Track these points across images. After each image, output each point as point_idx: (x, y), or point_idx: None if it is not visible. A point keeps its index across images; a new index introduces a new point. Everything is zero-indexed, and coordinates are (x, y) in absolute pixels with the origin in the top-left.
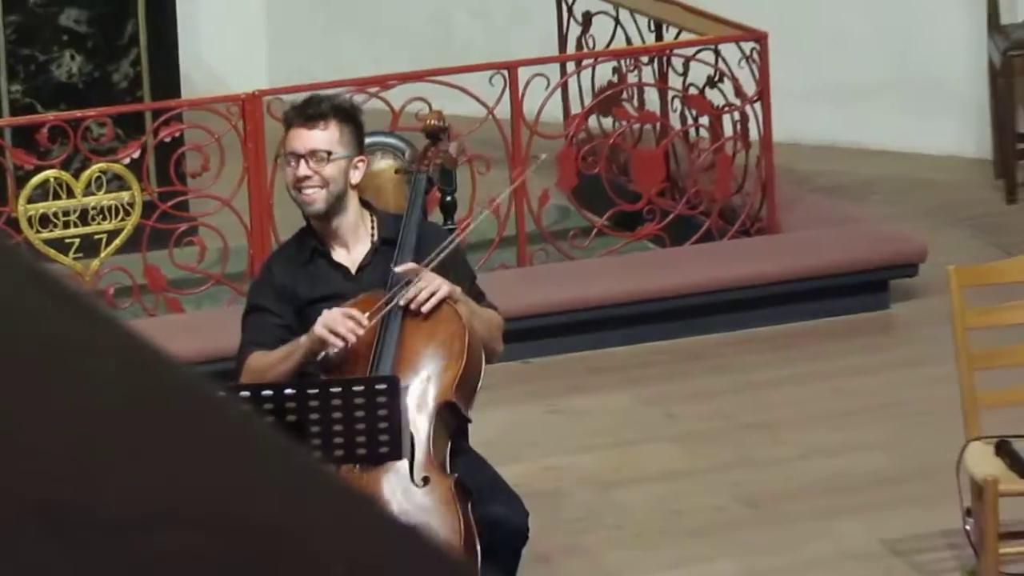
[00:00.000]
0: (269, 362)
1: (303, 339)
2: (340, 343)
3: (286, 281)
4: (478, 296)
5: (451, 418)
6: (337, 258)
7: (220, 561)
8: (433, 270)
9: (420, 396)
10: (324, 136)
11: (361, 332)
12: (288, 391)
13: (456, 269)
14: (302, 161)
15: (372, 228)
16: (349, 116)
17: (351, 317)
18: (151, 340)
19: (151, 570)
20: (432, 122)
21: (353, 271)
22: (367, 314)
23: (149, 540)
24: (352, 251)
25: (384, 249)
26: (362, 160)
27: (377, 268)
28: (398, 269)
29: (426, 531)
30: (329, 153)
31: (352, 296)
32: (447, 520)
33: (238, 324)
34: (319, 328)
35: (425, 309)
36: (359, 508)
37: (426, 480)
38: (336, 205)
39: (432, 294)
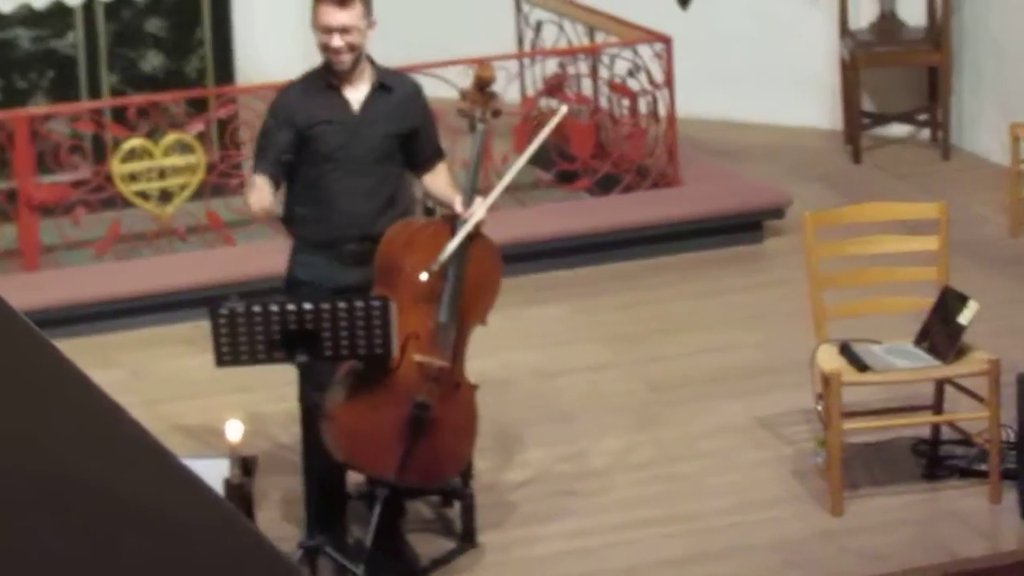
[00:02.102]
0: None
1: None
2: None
3: (297, 106)
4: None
5: None
6: (346, 94)
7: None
8: (414, 125)
9: (465, 320)
10: (351, 14)
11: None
12: (307, 306)
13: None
14: (335, 34)
15: (373, 75)
16: None
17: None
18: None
19: None
20: (489, 72)
21: (356, 107)
22: (440, 255)
23: None
24: (356, 90)
25: (380, 92)
26: (373, 23)
27: (374, 104)
28: (475, 219)
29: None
30: (357, 27)
31: (347, 125)
32: (469, 416)
33: (278, 254)
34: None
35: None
36: (181, 472)
37: (457, 386)
38: (356, 60)
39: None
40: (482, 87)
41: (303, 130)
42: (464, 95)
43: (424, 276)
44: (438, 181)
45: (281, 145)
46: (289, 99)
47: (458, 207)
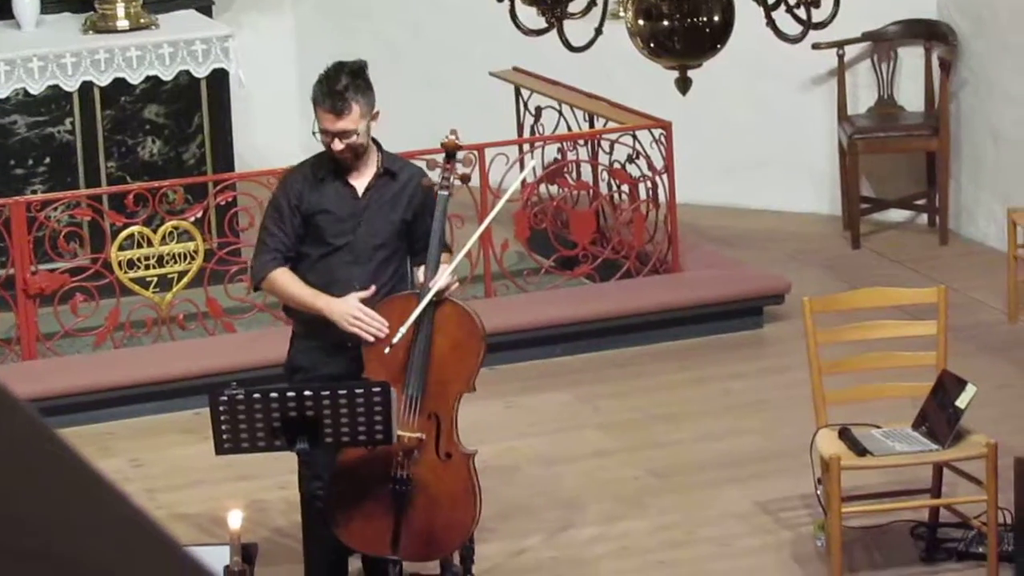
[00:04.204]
0: (293, 293)
1: (324, 305)
2: (366, 338)
3: (302, 189)
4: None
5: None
6: (351, 180)
7: None
8: (416, 211)
9: (446, 387)
10: (350, 120)
11: (382, 336)
12: (308, 393)
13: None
14: (335, 139)
15: (378, 161)
16: (364, 87)
17: (375, 321)
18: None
19: None
20: (452, 139)
21: (360, 192)
22: (402, 326)
23: None
24: (362, 176)
25: (384, 178)
26: (376, 113)
27: (378, 191)
28: (436, 286)
29: None
30: (356, 131)
31: (350, 213)
32: (465, 484)
33: (279, 342)
34: (344, 322)
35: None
36: (180, 556)
37: (449, 455)
38: (360, 155)
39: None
40: (450, 155)
41: (307, 216)
42: (431, 165)
43: (387, 350)
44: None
45: (292, 232)
46: (296, 183)
47: (421, 276)
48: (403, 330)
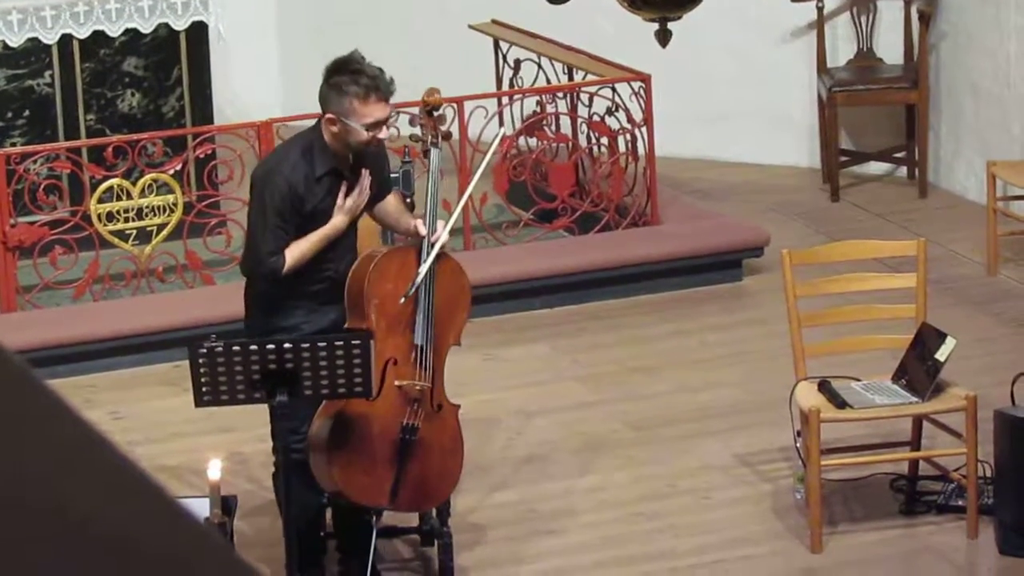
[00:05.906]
0: (305, 254)
1: (330, 230)
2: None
3: (303, 194)
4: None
5: None
6: (344, 172)
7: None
8: (377, 168)
9: (440, 341)
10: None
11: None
12: (287, 345)
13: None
14: (382, 127)
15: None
16: None
17: (361, 191)
18: None
19: None
20: (436, 96)
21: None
22: (410, 282)
23: None
24: (346, 163)
25: (356, 159)
26: None
27: (356, 175)
28: (440, 241)
29: (216, 531)
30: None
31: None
32: (454, 436)
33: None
34: (350, 215)
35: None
36: (167, 503)
37: (440, 407)
38: None
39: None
40: (430, 111)
41: (306, 217)
42: (415, 121)
43: (402, 301)
44: (388, 209)
45: (296, 230)
46: (294, 186)
47: (423, 230)
48: (418, 281)
